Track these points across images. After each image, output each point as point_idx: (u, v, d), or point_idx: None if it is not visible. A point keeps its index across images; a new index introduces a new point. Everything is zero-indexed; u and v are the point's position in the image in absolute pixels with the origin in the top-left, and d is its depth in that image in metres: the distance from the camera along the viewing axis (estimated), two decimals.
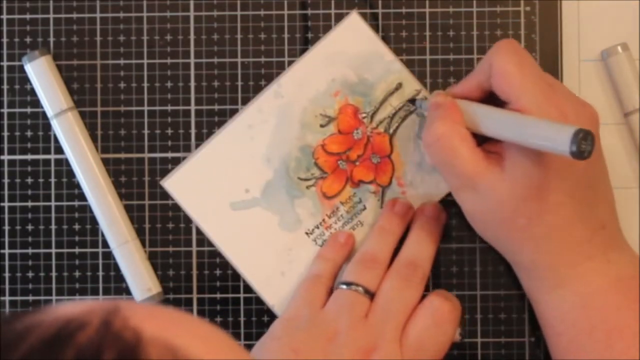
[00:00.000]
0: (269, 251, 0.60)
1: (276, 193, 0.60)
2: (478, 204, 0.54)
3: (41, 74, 0.60)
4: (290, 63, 0.61)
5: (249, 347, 0.61)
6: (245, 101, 0.61)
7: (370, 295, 0.56)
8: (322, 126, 0.61)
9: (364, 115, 0.61)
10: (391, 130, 0.61)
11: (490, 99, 0.56)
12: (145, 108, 0.61)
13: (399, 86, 0.60)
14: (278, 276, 0.60)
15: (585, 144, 0.48)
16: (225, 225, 0.60)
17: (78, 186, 0.61)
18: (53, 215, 0.61)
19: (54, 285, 0.61)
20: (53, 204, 0.61)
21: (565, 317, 0.55)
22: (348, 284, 0.57)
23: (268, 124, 0.60)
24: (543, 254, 0.54)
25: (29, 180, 0.61)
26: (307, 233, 0.60)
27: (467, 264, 0.61)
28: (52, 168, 0.61)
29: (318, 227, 0.60)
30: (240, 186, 0.60)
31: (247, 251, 0.60)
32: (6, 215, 0.61)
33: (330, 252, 0.60)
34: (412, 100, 0.60)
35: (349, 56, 0.61)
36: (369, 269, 0.57)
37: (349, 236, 0.60)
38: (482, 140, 0.55)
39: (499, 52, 0.54)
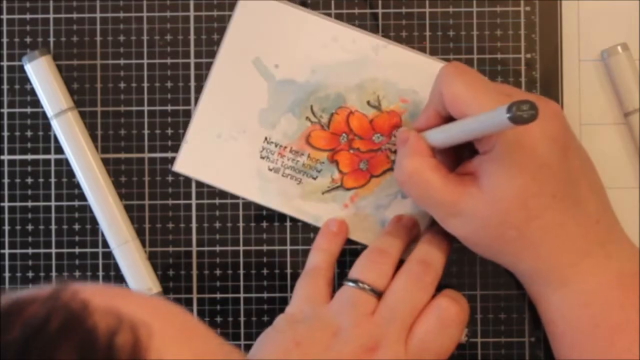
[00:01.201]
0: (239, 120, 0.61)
1: (287, 92, 0.60)
2: (466, 228, 0.54)
3: (41, 74, 0.60)
4: None
5: (249, 347, 0.61)
6: None
7: (377, 293, 0.56)
8: (368, 103, 0.60)
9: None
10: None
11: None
12: (145, 108, 0.61)
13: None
14: (215, 136, 0.60)
15: (523, 108, 0.47)
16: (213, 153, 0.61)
17: (78, 186, 0.61)
18: (53, 215, 0.61)
19: None
20: (53, 204, 0.61)
21: (568, 316, 0.55)
22: (354, 281, 0.56)
23: (345, 54, 0.61)
24: (541, 259, 0.54)
25: (29, 180, 0.61)
26: (266, 138, 0.60)
27: (467, 264, 0.61)
28: (52, 168, 0.61)
29: (276, 146, 0.60)
30: (276, 60, 0.60)
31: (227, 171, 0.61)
32: (6, 216, 0.61)
33: (325, 242, 0.59)
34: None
35: (402, 66, 0.61)
36: (376, 264, 0.57)
37: (341, 224, 0.60)
38: (454, 167, 0.56)
39: (445, 78, 0.54)
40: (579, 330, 0.54)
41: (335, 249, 0.59)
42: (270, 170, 0.61)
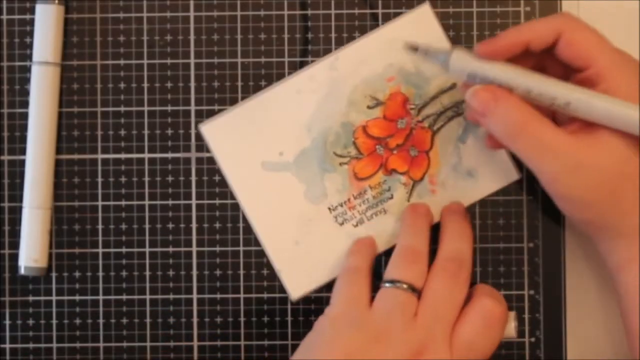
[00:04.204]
0: (289, 218, 0.61)
1: (308, 162, 0.61)
2: (584, 184, 0.53)
3: (45, 19, 0.60)
4: (290, 63, 0.61)
5: (249, 347, 0.61)
6: None
7: (416, 292, 0.56)
8: (369, 107, 0.61)
9: (412, 106, 0.61)
10: (435, 127, 0.61)
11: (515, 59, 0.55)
12: (145, 108, 0.61)
13: (453, 86, 0.60)
14: (292, 244, 0.60)
15: None
16: (252, 182, 0.61)
17: (79, 185, 0.61)
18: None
19: None
20: (55, 204, 0.61)
21: None
22: (392, 282, 0.56)
23: (316, 94, 0.61)
24: None
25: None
26: (329, 208, 0.61)
27: None
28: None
29: (342, 205, 0.61)
30: (275, 148, 0.61)
31: (268, 213, 0.61)
32: (6, 216, 0.61)
33: (362, 247, 0.60)
34: (414, 47, 0.58)
35: None
36: (411, 263, 0.56)
37: (372, 240, 0.60)
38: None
39: (569, 21, 0.54)
40: None
41: (371, 254, 0.59)
42: (356, 225, 0.61)
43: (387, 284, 0.56)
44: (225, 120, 0.61)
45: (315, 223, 0.61)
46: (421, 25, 0.61)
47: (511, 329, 0.58)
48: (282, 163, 0.61)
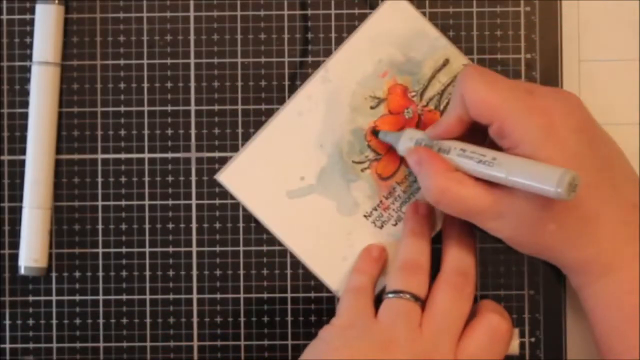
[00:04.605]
0: (329, 237, 0.61)
1: (331, 178, 0.61)
2: (508, 228, 0.54)
3: (45, 19, 0.60)
4: (290, 63, 0.61)
5: (249, 347, 0.61)
6: (245, 101, 0.61)
7: (420, 301, 0.56)
8: (372, 108, 0.61)
9: (413, 93, 0.61)
10: (442, 107, 0.61)
11: (473, 131, 0.56)
12: (145, 108, 0.61)
13: (446, 62, 0.61)
14: (340, 261, 0.60)
15: (574, 185, 0.50)
16: (283, 214, 0.61)
17: (79, 185, 0.61)
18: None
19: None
20: (56, 204, 0.61)
21: (611, 304, 0.54)
22: (396, 292, 0.56)
23: (318, 110, 0.61)
24: (583, 249, 0.54)
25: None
26: (365, 216, 0.61)
27: None
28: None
29: (376, 209, 0.61)
30: (295, 174, 0.61)
31: (307, 238, 0.61)
32: (6, 216, 0.61)
33: (366, 266, 0.60)
34: (375, 132, 0.60)
35: (394, 36, 0.61)
36: (413, 275, 0.57)
37: (382, 250, 0.60)
38: None
39: (466, 82, 0.54)
40: (622, 317, 0.54)
41: (376, 273, 0.60)
42: (395, 224, 0.61)
43: (390, 295, 0.56)
44: (238, 164, 0.61)
45: (355, 234, 0.61)
46: (397, 13, 0.61)
47: (514, 346, 0.58)
48: (306, 187, 0.61)
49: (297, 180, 0.61)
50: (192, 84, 0.61)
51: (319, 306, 0.61)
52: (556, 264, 0.57)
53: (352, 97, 0.61)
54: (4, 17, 0.61)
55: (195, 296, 0.61)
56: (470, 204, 0.54)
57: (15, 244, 0.61)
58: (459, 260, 0.58)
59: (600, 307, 0.55)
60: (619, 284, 0.54)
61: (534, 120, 0.53)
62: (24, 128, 0.61)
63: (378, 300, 0.57)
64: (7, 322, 0.61)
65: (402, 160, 0.60)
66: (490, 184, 0.54)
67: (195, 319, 0.61)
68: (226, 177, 0.61)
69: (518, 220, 0.53)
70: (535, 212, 0.53)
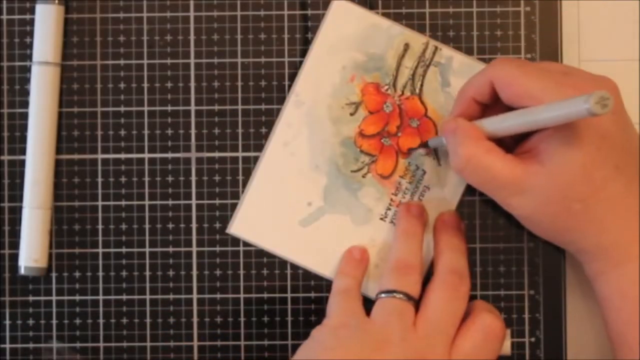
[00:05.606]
0: None
1: (337, 194, 0.61)
2: (530, 206, 0.54)
3: (45, 19, 0.60)
4: (290, 63, 0.61)
5: (249, 347, 0.61)
6: (245, 101, 0.61)
7: (413, 301, 0.56)
8: (351, 114, 0.61)
9: (386, 87, 0.61)
10: (417, 90, 0.61)
11: (484, 113, 0.57)
12: (145, 108, 0.61)
13: (406, 47, 0.61)
14: (373, 270, 0.60)
15: (604, 101, 0.47)
16: (303, 244, 0.61)
17: (79, 185, 0.61)
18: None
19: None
20: (56, 204, 0.61)
21: (627, 293, 0.54)
22: (389, 292, 0.56)
23: (302, 134, 0.61)
24: (606, 233, 0.54)
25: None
26: (381, 218, 0.61)
27: None
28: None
29: (389, 208, 0.61)
30: (301, 202, 0.61)
31: (333, 259, 0.61)
32: (6, 216, 0.61)
33: (349, 268, 0.60)
34: (424, 145, 0.60)
35: (349, 39, 0.61)
36: (405, 274, 0.57)
37: (363, 252, 0.60)
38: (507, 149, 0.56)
39: (497, 65, 0.55)
40: (637, 306, 0.54)
41: (360, 275, 0.60)
42: None
43: (383, 295, 0.56)
44: (243, 213, 0.61)
45: (378, 239, 0.61)
46: (344, 17, 0.61)
47: (507, 347, 0.58)
48: (316, 210, 0.61)
49: (305, 206, 0.61)
50: (192, 84, 0.61)
51: (319, 306, 0.61)
52: (572, 249, 0.56)
53: (329, 110, 0.61)
54: (4, 17, 0.62)
55: (195, 296, 0.61)
56: (495, 174, 0.54)
57: (15, 244, 0.61)
58: (453, 261, 0.58)
59: (616, 296, 0.54)
60: (636, 273, 0.53)
61: (567, 95, 0.52)
62: (24, 128, 0.61)
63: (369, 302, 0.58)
64: (7, 322, 0.61)
65: (397, 154, 0.61)
66: (522, 161, 0.54)
67: (195, 319, 0.61)
68: (237, 228, 0.61)
69: (543, 196, 0.53)
70: (562, 190, 0.53)
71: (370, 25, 0.61)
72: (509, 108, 0.55)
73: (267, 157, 0.61)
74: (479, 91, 0.56)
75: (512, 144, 0.56)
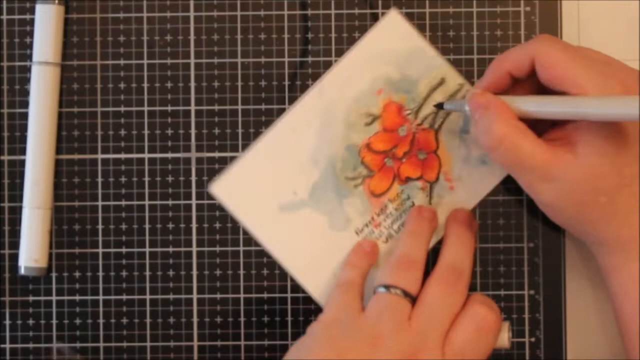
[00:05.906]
0: (320, 252, 0.61)
1: (324, 194, 0.61)
2: (556, 193, 0.54)
3: (46, 19, 0.60)
4: (290, 63, 0.61)
5: (248, 347, 0.61)
6: (245, 101, 0.61)
7: (410, 297, 0.56)
8: (366, 125, 0.61)
9: (408, 112, 0.61)
10: (436, 126, 0.61)
11: (514, 88, 0.56)
12: (145, 108, 0.61)
13: (442, 81, 0.61)
14: (330, 277, 0.60)
15: None
16: (274, 227, 0.61)
17: (79, 185, 0.61)
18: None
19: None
20: (56, 204, 0.61)
21: None
22: (386, 286, 0.56)
23: (312, 126, 0.61)
24: (627, 228, 0.54)
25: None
26: (356, 232, 0.61)
27: None
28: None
29: (367, 226, 0.61)
30: (288, 188, 0.61)
31: (298, 253, 0.61)
32: (6, 216, 0.61)
33: (358, 259, 0.60)
34: (439, 105, 0.59)
35: (391, 54, 0.61)
36: (406, 270, 0.56)
37: (374, 245, 0.60)
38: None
39: (541, 42, 0.54)
40: None
41: (367, 267, 0.59)
42: (386, 241, 0.61)
43: (380, 289, 0.56)
44: (231, 175, 0.61)
45: (346, 250, 0.60)
46: (394, 31, 0.61)
47: (504, 340, 0.57)
48: (299, 201, 0.61)
49: (290, 194, 0.61)
50: (192, 84, 0.61)
51: (319, 306, 0.61)
52: (590, 240, 0.56)
53: (347, 113, 0.61)
54: (4, 17, 0.62)
55: (195, 296, 0.61)
56: (525, 156, 0.53)
57: (15, 244, 0.61)
58: (454, 257, 0.57)
59: (632, 290, 0.54)
60: None
61: (614, 90, 0.52)
62: (24, 128, 0.61)
63: None
64: (7, 322, 0.61)
65: (394, 177, 0.60)
66: (554, 147, 0.53)
67: (195, 319, 0.61)
68: (218, 188, 0.61)
69: (570, 186, 0.53)
70: (592, 182, 0.53)
71: (415, 47, 0.61)
72: (540, 86, 0.55)
73: (272, 135, 0.61)
74: (517, 66, 0.55)
75: (532, 123, 0.55)
